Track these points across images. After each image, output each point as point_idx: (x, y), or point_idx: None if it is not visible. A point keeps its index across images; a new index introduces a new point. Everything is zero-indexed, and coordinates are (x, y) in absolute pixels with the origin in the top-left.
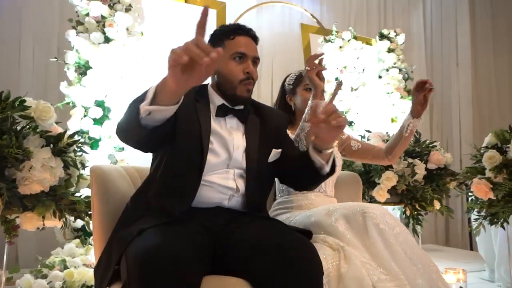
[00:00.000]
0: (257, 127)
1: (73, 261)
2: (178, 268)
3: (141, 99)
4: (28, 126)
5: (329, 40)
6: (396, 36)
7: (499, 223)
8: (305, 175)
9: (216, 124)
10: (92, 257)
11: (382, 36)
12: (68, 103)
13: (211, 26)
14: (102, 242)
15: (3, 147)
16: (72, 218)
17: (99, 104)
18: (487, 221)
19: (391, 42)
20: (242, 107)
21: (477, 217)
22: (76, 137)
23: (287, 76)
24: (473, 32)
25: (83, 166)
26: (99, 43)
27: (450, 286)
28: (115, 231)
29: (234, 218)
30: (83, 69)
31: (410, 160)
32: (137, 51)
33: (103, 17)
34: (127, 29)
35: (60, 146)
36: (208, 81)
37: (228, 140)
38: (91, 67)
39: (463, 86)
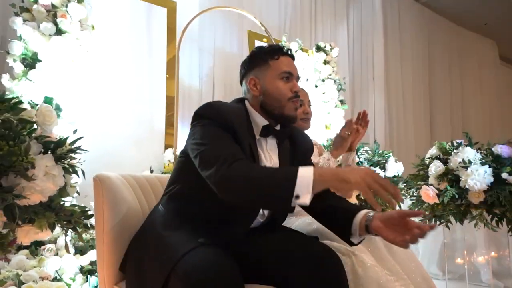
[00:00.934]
0: (288, 150)
1: (28, 274)
2: (232, 284)
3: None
4: (23, 131)
5: None
6: (331, 49)
7: (444, 223)
8: (332, 224)
9: (259, 148)
10: (47, 268)
11: (319, 48)
12: (11, 99)
13: (161, 25)
14: (114, 255)
15: (12, 155)
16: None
17: (48, 100)
18: (431, 222)
19: (326, 55)
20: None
21: (421, 218)
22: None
23: None
24: (385, 49)
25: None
26: (50, 35)
27: None
28: (157, 236)
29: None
30: (30, 61)
31: (372, 168)
32: (90, 45)
33: (53, 6)
34: (80, 22)
35: (61, 152)
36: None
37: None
38: (40, 60)
39: (377, 97)
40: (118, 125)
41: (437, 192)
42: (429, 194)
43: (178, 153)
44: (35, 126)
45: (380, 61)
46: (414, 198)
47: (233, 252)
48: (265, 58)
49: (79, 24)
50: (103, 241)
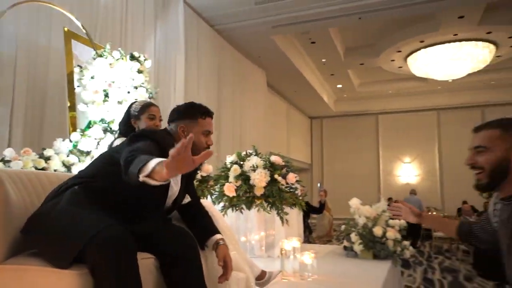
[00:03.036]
0: (185, 177)
1: None
2: (134, 250)
3: (141, 163)
4: None
5: (101, 55)
6: (144, 60)
7: (239, 210)
8: (195, 232)
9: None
10: None
11: (133, 58)
12: None
13: None
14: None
15: None
16: None
17: None
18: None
19: (140, 64)
20: None
21: (222, 207)
22: None
23: (133, 103)
24: (186, 65)
25: None
26: None
27: None
28: (76, 212)
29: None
30: None
31: None
32: None
33: None
34: None
35: None
36: None
37: (174, 192)
38: None
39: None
40: None
41: (235, 187)
42: (231, 188)
43: None
44: None
45: (181, 75)
46: (217, 192)
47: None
48: (196, 115)
49: None
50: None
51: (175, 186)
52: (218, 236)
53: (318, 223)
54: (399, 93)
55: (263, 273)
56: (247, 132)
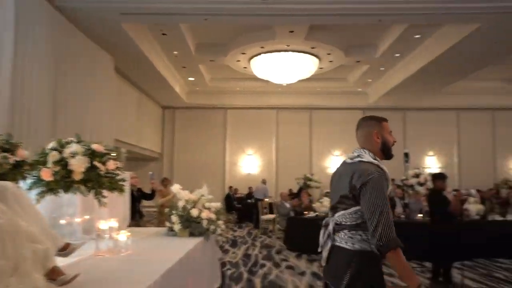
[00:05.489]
0: None
1: None
2: None
3: None
4: None
5: None
6: None
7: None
8: None
9: None
10: None
11: None
12: None
13: None
14: None
15: None
16: None
17: None
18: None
19: None
20: None
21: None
22: None
23: None
24: (15, 45)
25: None
26: None
27: None
28: None
29: None
30: None
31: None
32: None
33: None
34: None
35: None
36: None
37: None
38: None
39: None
40: None
41: (53, 172)
42: (47, 173)
43: None
44: None
45: (9, 55)
46: (35, 177)
47: None
48: None
49: None
50: None
51: None
52: None
53: (158, 210)
54: (246, 91)
55: (66, 245)
56: (91, 118)
